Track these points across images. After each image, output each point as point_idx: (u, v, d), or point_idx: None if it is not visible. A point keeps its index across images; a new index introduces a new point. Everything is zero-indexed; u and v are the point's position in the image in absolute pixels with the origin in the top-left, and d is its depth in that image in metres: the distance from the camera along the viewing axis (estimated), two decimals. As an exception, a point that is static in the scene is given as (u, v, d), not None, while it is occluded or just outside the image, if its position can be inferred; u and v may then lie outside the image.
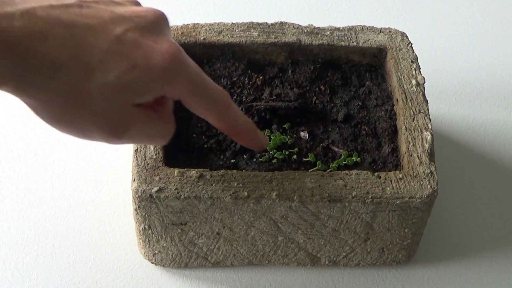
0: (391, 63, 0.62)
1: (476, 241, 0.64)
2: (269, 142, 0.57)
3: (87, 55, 0.40)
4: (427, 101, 0.59)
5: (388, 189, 0.53)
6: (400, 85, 0.60)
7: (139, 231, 0.56)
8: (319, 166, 0.56)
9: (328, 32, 0.64)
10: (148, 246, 0.58)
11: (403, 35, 0.64)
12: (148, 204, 0.53)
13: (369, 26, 0.65)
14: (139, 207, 0.53)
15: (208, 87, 0.45)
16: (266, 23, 0.64)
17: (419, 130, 0.57)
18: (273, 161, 0.56)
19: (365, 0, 0.86)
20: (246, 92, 0.61)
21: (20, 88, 0.39)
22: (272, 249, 0.58)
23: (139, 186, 0.52)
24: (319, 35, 0.63)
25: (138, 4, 0.46)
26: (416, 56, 0.62)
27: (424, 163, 0.55)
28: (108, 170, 0.66)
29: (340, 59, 0.64)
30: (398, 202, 0.53)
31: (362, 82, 0.63)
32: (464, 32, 0.83)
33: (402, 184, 0.54)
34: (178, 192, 0.52)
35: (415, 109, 0.58)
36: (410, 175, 0.54)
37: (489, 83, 0.77)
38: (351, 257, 0.60)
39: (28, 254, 0.61)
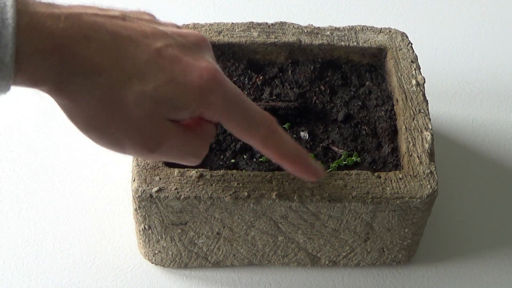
0: (391, 63, 0.62)
1: (476, 241, 0.64)
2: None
3: (127, 63, 0.40)
4: (427, 101, 0.59)
5: (388, 189, 0.53)
6: (400, 85, 0.60)
7: (139, 231, 0.56)
8: (319, 166, 0.56)
9: (328, 32, 0.64)
10: (148, 246, 0.58)
11: (403, 35, 0.64)
12: (148, 204, 0.53)
13: (369, 26, 0.65)
14: (139, 207, 0.53)
15: (248, 109, 0.44)
16: (266, 23, 0.64)
17: (419, 130, 0.57)
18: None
19: (365, 0, 0.86)
20: (246, 92, 0.61)
21: (59, 88, 0.40)
22: (272, 249, 0.58)
23: (139, 186, 0.52)
24: (319, 35, 0.63)
25: (180, 28, 0.47)
26: (416, 56, 0.62)
27: (424, 163, 0.55)
28: (108, 170, 0.66)
29: (340, 59, 0.64)
30: (398, 202, 0.53)
31: (362, 82, 0.63)
32: (464, 32, 0.83)
33: (402, 184, 0.54)
34: (178, 192, 0.52)
35: (415, 109, 0.58)
36: (410, 175, 0.54)
37: (489, 83, 0.77)
38: (351, 257, 0.60)
39: (28, 254, 0.61)
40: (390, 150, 0.57)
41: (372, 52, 0.63)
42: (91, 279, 0.60)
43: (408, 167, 0.55)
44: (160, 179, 0.53)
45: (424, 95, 0.59)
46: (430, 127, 0.57)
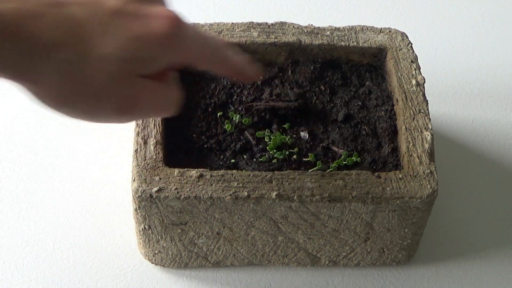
0: (391, 63, 0.62)
1: (476, 241, 0.64)
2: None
3: (82, 31, 0.39)
4: (427, 101, 0.59)
5: (388, 189, 0.53)
6: (400, 85, 0.60)
7: (139, 231, 0.56)
8: (319, 166, 0.56)
9: (328, 32, 0.64)
10: (148, 246, 0.58)
11: (403, 35, 0.64)
12: (148, 204, 0.53)
13: (369, 26, 0.65)
14: (139, 207, 0.53)
15: (208, 42, 0.44)
16: (266, 23, 0.64)
17: (419, 130, 0.57)
18: (273, 161, 0.56)
19: (365, 0, 0.86)
20: (246, 92, 0.61)
21: (19, 72, 0.38)
22: (272, 249, 0.58)
23: (139, 186, 0.52)
24: (319, 35, 0.63)
25: None
26: (416, 56, 0.62)
27: (424, 163, 0.55)
28: (108, 170, 0.66)
29: (340, 59, 0.64)
30: (398, 202, 0.53)
31: (362, 82, 0.63)
32: (464, 32, 0.83)
33: (402, 184, 0.54)
34: (178, 192, 0.52)
35: (415, 109, 0.58)
36: (410, 175, 0.54)
37: (489, 83, 0.77)
38: (351, 257, 0.60)
39: (28, 254, 0.61)
40: (390, 150, 0.57)
41: (372, 52, 0.63)
42: (91, 279, 0.60)
43: (408, 167, 0.55)
44: (160, 179, 0.53)
45: (424, 95, 0.59)
46: (430, 127, 0.57)
